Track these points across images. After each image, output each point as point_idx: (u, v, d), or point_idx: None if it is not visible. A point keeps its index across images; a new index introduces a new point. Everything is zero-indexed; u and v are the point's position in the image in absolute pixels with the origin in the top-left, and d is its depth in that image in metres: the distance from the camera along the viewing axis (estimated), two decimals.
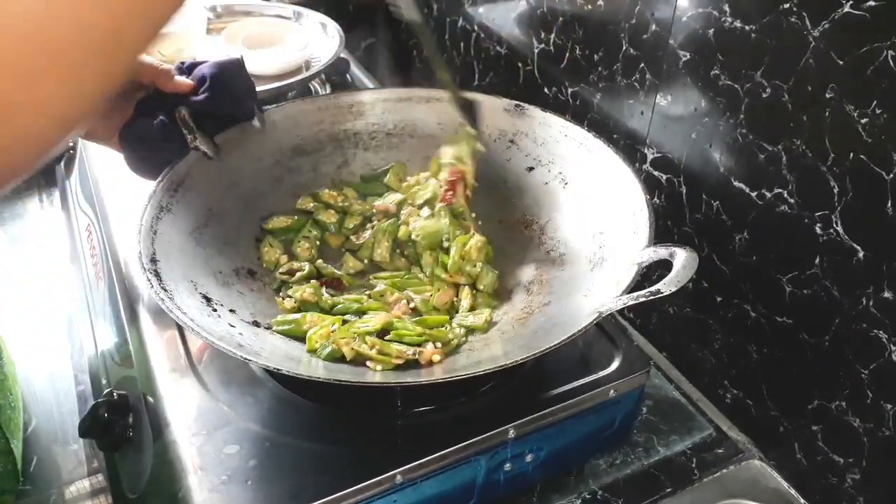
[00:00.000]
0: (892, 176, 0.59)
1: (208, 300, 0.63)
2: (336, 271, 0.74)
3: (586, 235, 0.71)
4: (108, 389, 0.71)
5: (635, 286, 0.57)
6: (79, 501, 0.80)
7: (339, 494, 0.56)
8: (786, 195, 0.69)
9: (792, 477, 0.74)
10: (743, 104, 0.71)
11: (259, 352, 0.58)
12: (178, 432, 0.61)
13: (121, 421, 0.68)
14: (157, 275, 0.60)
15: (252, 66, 1.07)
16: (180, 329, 0.70)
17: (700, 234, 0.82)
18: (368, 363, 0.61)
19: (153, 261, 0.61)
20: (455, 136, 0.78)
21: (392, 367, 0.61)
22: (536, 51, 1.03)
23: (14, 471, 0.74)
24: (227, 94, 0.72)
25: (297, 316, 0.66)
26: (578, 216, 0.73)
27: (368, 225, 0.79)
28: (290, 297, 0.69)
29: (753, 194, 0.73)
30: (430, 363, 0.62)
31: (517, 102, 0.81)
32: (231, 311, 0.64)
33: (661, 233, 0.86)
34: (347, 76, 1.20)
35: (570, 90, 0.98)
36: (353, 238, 0.78)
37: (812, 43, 0.63)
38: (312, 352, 0.63)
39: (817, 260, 0.68)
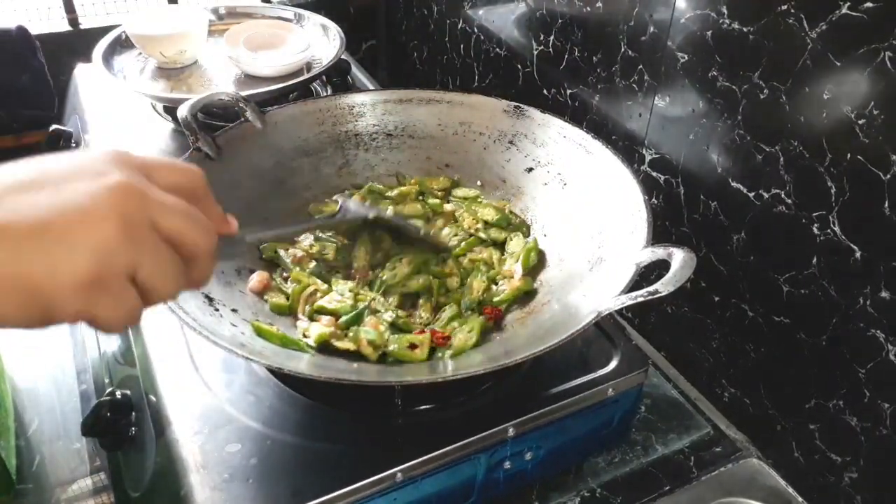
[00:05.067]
0: (888, 176, 0.59)
1: (210, 300, 0.63)
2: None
3: (585, 236, 0.71)
4: (111, 388, 0.72)
5: (634, 286, 0.57)
6: (81, 500, 0.80)
7: (339, 492, 0.56)
8: (783, 196, 0.70)
9: (789, 475, 0.75)
10: (741, 105, 0.72)
11: (261, 351, 0.58)
12: (180, 431, 0.61)
13: (123, 420, 0.68)
14: None
15: (254, 68, 1.08)
16: (182, 328, 0.70)
17: (698, 234, 0.82)
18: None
19: None
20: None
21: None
22: (536, 52, 1.04)
23: (5, 472, 0.74)
24: None
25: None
26: (577, 217, 0.74)
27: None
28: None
29: (751, 195, 0.73)
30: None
31: (516, 104, 0.81)
32: (233, 310, 0.64)
33: (660, 233, 0.87)
34: (348, 78, 1.21)
35: (569, 91, 0.99)
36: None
37: (809, 44, 0.63)
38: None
39: (815, 260, 0.68)
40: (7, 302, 0.32)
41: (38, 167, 0.34)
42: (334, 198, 0.76)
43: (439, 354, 0.65)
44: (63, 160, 0.35)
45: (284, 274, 0.72)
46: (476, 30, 1.21)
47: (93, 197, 0.33)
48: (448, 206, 0.81)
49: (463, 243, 0.77)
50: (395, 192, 0.82)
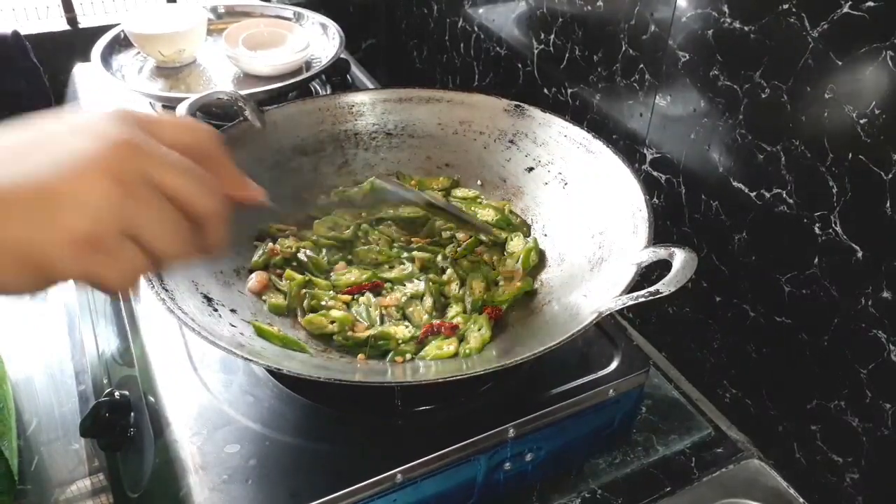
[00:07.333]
0: (890, 176, 0.59)
1: (209, 300, 0.63)
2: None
3: (586, 235, 0.71)
4: (109, 389, 0.72)
5: (635, 286, 0.57)
6: (80, 501, 0.80)
7: (339, 494, 0.56)
8: (785, 195, 0.69)
9: (791, 476, 0.74)
10: (742, 104, 0.71)
11: (260, 351, 0.58)
12: (179, 432, 0.61)
13: (122, 420, 0.68)
14: (158, 274, 0.60)
15: (253, 67, 1.08)
16: (181, 329, 0.70)
17: (699, 234, 0.82)
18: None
19: None
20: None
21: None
22: (536, 51, 1.04)
23: (8, 472, 0.74)
24: None
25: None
26: (578, 216, 0.73)
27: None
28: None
29: (752, 194, 0.73)
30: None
31: (517, 103, 0.81)
32: (232, 310, 0.64)
33: (661, 233, 0.86)
34: (348, 77, 1.20)
35: (569, 91, 0.98)
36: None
37: (811, 43, 0.63)
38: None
39: (816, 260, 0.68)
40: (3, 268, 0.31)
41: (38, 128, 0.33)
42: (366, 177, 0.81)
43: (461, 353, 0.65)
44: (64, 119, 0.34)
45: (278, 271, 0.72)
46: (476, 28, 1.20)
47: (88, 154, 0.32)
48: None
49: (461, 247, 0.76)
50: None
